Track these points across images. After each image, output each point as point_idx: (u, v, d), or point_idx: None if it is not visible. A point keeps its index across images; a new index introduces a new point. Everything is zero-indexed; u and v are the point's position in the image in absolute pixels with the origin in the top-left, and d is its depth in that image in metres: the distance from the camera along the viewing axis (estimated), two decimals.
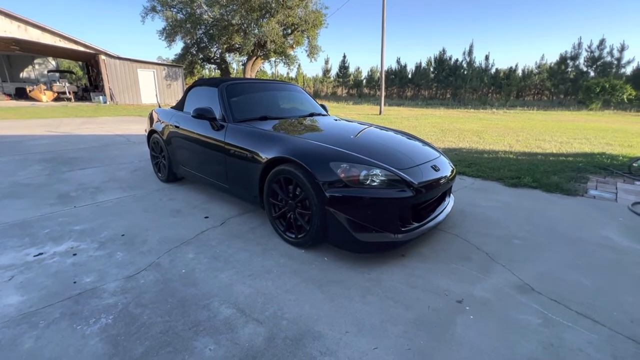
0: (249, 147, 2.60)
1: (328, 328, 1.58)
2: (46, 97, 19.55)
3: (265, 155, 2.45)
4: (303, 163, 2.16)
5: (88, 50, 18.21)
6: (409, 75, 36.72)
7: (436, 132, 8.96)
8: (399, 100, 31.68)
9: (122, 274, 2.03)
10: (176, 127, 3.50)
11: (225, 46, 23.50)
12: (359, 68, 42.94)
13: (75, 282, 1.93)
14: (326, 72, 42.86)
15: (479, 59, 38.05)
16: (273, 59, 25.15)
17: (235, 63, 28.38)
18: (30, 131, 8.28)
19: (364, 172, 2.10)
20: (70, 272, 2.04)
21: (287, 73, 47.10)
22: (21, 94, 21.58)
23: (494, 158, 5.51)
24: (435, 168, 2.43)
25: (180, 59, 25.10)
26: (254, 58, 23.96)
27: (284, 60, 25.45)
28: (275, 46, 22.16)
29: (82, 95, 23.08)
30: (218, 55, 26.15)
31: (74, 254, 2.26)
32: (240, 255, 2.27)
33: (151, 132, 4.07)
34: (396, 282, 1.96)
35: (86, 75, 27.74)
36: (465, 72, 31.92)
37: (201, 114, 2.91)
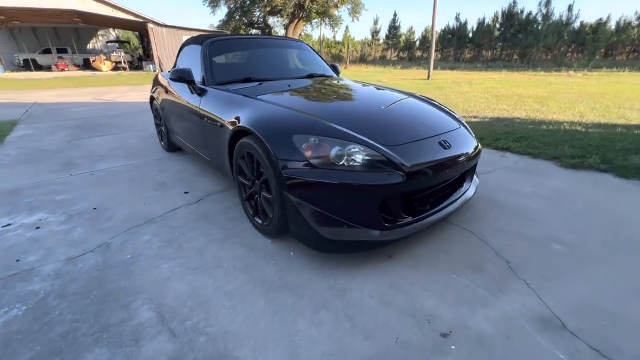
0: (218, 114, 2.21)
1: (251, 355, 1.21)
2: (106, 67, 21.04)
3: (229, 125, 2.03)
4: (261, 135, 1.71)
5: (137, 19, 18.86)
6: (470, 34, 32.53)
7: (488, 99, 7.68)
8: (455, 64, 28.45)
9: (67, 254, 1.85)
10: (166, 91, 3.22)
11: (267, 9, 22.71)
12: (411, 28, 39.23)
13: (18, 261, 1.80)
14: (375, 33, 39.84)
15: (559, 11, 32.02)
16: (316, 20, 23.79)
17: (279, 27, 27.55)
18: (79, 99, 8.84)
19: (336, 150, 1.59)
20: (21, 248, 1.92)
21: (334, 37, 44.87)
22: (87, 65, 23.55)
23: (555, 130, 4.44)
24: (445, 145, 1.81)
25: (224, 25, 25.00)
26: (296, 21, 22.91)
27: (328, 22, 23.97)
28: (317, 6, 20.79)
29: (137, 64, 24.44)
30: (261, 20, 25.51)
31: (38, 228, 2.16)
32: (197, 242, 1.96)
33: (152, 99, 3.87)
34: (366, 295, 1.50)
35: (141, 45, 29.23)
36: (540, 28, 27.23)
37: (179, 77, 2.55)
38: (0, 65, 20.45)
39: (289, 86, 2.50)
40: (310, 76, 2.91)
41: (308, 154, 1.59)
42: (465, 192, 2.11)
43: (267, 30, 26.25)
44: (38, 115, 6.46)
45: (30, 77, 16.69)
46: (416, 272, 1.66)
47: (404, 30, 38.08)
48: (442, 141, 1.82)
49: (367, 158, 1.59)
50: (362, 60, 35.97)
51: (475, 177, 2.32)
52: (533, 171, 3.07)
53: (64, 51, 23.55)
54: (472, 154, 1.98)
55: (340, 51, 40.39)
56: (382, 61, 36.45)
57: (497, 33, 30.88)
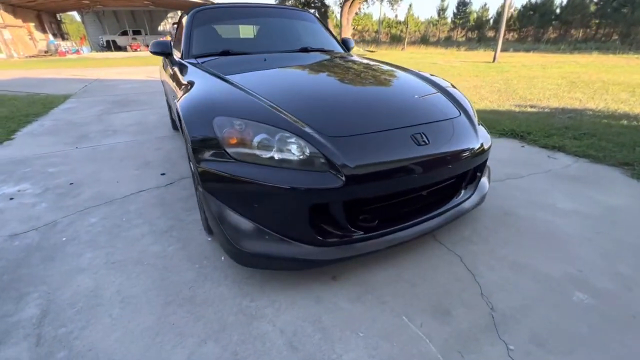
0: (176, 90, 1.97)
1: None
2: None
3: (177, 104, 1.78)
4: (182, 116, 1.42)
5: (197, 0, 19.67)
6: (557, 10, 27.92)
7: (560, 85, 6.37)
8: (533, 44, 24.77)
9: (14, 230, 1.82)
10: (164, 67, 3.10)
11: None
12: (485, 5, 34.89)
13: None
14: (441, 11, 36.42)
15: None
16: None
17: (336, 6, 26.59)
18: (133, 76, 9.48)
19: (260, 137, 1.23)
20: None
21: (395, 16, 42.18)
22: None
23: (636, 128, 3.41)
24: (420, 139, 1.32)
25: (281, 4, 24.93)
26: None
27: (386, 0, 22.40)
28: None
29: None
30: None
31: (11, 198, 2.19)
32: (137, 231, 1.79)
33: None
34: (277, 329, 1.16)
35: None
36: None
37: (157, 50, 2.37)
38: (87, 45, 23.19)
39: (264, 60, 2.15)
40: (304, 50, 2.51)
41: (228, 140, 1.26)
42: (462, 202, 1.60)
43: (323, 10, 25.56)
44: (91, 90, 7.03)
45: (107, 56, 18.61)
46: (357, 305, 1.26)
47: (475, 7, 34.10)
48: (417, 134, 1.33)
49: (298, 151, 1.21)
50: (423, 41, 33.27)
51: (484, 181, 1.76)
52: (586, 180, 2.32)
53: (138, 33, 25.81)
54: (469, 152, 1.45)
55: (401, 31, 37.86)
56: (447, 42, 33.31)
57: (592, 8, 26.00)
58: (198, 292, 1.34)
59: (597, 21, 26.01)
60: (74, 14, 29.49)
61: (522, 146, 3.08)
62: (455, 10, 34.50)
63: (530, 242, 1.62)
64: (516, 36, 29.79)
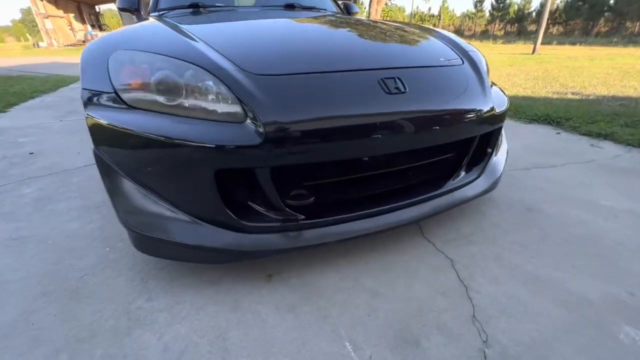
0: None
1: None
2: None
3: None
4: (81, 57, 1.10)
5: None
6: (610, 1, 25.38)
7: (610, 74, 5.53)
8: (580, 38, 22.67)
9: None
10: None
11: None
12: None
13: None
14: (478, 3, 34.41)
15: None
16: None
17: None
18: None
19: (161, 74, 0.88)
20: None
21: (429, 9, 40.50)
22: None
23: None
24: (392, 85, 0.91)
25: None
26: None
27: None
28: None
29: None
30: None
31: None
32: (64, 204, 1.51)
33: None
34: (160, 344, 0.82)
35: None
36: None
37: (124, 6, 2.09)
38: None
39: (233, 10, 1.80)
40: (290, 6, 2.12)
41: (123, 80, 0.92)
42: (461, 186, 1.16)
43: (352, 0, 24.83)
44: None
45: None
46: (286, 319, 0.88)
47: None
48: (389, 79, 0.92)
49: (208, 94, 0.85)
50: (457, 33, 31.56)
51: (496, 161, 1.31)
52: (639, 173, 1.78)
53: None
54: (471, 114, 1.02)
55: (435, 25, 36.22)
56: (483, 35, 31.43)
57: None
58: (88, 282, 1.02)
59: None
60: (113, 6, 30.81)
61: (558, 133, 2.52)
62: (494, 2, 32.41)
63: (559, 249, 1.15)
64: (562, 29, 27.51)
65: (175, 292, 0.98)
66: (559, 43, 18.29)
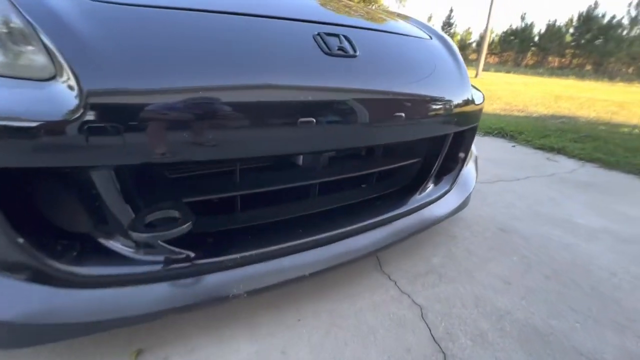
0: None
1: None
2: None
3: None
4: None
5: None
6: (535, 38, 29.05)
7: (545, 97, 5.99)
8: (513, 67, 25.46)
9: None
10: None
11: None
12: (469, 28, 36.06)
13: None
14: None
15: None
16: None
17: None
18: None
19: None
20: None
21: None
22: None
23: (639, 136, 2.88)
24: (335, 43, 0.58)
25: None
26: None
27: None
28: None
29: None
30: None
31: None
32: None
33: None
34: None
35: None
36: (625, 33, 23.33)
37: None
38: None
39: None
40: None
41: None
42: (429, 202, 0.87)
43: None
44: None
45: None
46: None
47: (460, 29, 35.22)
48: (330, 36, 0.59)
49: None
50: None
51: (468, 172, 1.06)
52: (605, 188, 1.67)
53: None
54: (445, 102, 0.73)
55: None
56: None
57: (568, 38, 27.18)
58: None
59: (572, 51, 27.18)
60: None
61: (513, 146, 2.45)
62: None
63: (549, 285, 0.90)
64: (497, 60, 30.74)
65: None
66: (496, 70, 20.31)
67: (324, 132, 0.56)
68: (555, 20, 29.96)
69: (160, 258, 0.54)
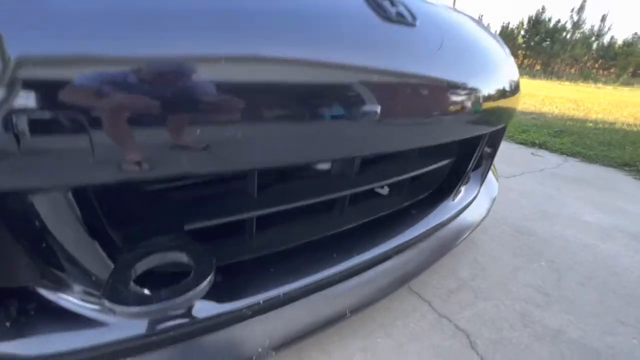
0: None
1: None
2: None
3: None
4: None
5: None
6: None
7: None
8: None
9: None
10: None
11: None
12: None
13: None
14: None
15: (591, 22, 30.50)
16: None
17: None
18: None
19: None
20: None
21: None
22: None
23: (609, 129, 3.04)
24: (392, 9, 0.44)
25: None
26: None
27: None
28: None
29: None
30: None
31: None
32: None
33: None
34: None
35: None
36: (568, 36, 25.44)
37: None
38: None
39: None
40: None
41: None
42: (462, 209, 0.75)
43: None
44: None
45: None
46: None
47: None
48: None
49: None
50: None
51: (490, 174, 0.96)
52: (594, 183, 1.69)
53: None
54: (500, 91, 0.61)
55: None
56: None
57: (520, 40, 29.15)
58: None
59: (524, 52, 29.16)
60: None
61: None
62: None
63: (587, 294, 0.82)
64: None
65: None
66: None
67: (384, 126, 0.41)
68: (509, 23, 31.93)
69: (143, 315, 0.36)
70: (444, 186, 0.74)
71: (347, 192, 0.54)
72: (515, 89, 0.68)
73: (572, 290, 0.83)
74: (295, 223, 0.53)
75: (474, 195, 0.80)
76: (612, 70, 26.13)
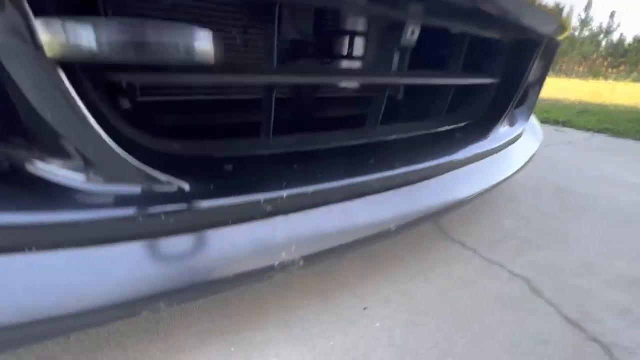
0: None
1: None
2: None
3: None
4: None
5: None
6: None
7: None
8: None
9: None
10: None
11: None
12: None
13: None
14: None
15: (599, 19, 30.18)
16: None
17: None
18: None
19: None
20: None
21: None
22: None
23: (630, 111, 2.89)
24: None
25: None
26: None
27: None
28: None
29: None
30: None
31: None
32: None
33: None
34: None
35: None
36: (576, 34, 25.08)
37: None
38: None
39: None
40: None
41: None
42: (512, 139, 0.64)
43: None
44: None
45: None
46: None
47: None
48: None
49: None
50: None
51: (535, 119, 0.86)
52: (624, 152, 1.56)
53: None
54: None
55: None
56: None
57: None
58: None
59: None
60: None
61: None
62: None
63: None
64: None
65: None
66: None
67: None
68: None
69: (135, 191, 0.27)
70: (490, 113, 0.63)
71: (390, 80, 0.43)
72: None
73: (634, 239, 0.71)
74: (332, 125, 0.43)
75: (519, 132, 0.69)
76: (621, 68, 25.65)
